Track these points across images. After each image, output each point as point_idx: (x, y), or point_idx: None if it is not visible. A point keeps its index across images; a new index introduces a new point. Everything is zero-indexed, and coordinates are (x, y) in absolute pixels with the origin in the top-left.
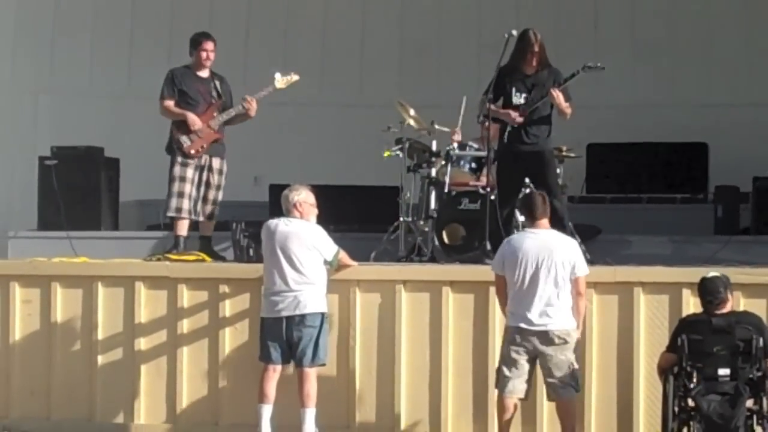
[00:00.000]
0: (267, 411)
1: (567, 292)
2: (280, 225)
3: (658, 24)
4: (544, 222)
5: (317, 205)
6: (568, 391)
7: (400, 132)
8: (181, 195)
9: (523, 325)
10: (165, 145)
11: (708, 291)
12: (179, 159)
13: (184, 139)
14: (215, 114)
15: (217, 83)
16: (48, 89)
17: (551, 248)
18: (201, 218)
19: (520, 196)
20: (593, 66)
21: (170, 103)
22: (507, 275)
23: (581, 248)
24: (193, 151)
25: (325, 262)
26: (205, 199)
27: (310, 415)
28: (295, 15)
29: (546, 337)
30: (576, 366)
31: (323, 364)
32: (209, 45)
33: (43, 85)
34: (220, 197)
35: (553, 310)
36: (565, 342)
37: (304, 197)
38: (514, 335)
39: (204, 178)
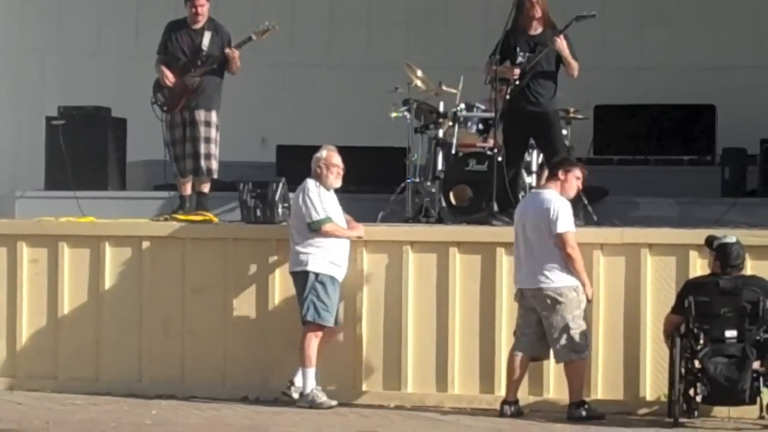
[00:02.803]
0: (309, 374)
1: (557, 251)
2: None
3: None
4: (549, 184)
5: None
6: (565, 355)
7: (408, 93)
8: (176, 159)
9: (519, 286)
10: None
11: (736, 256)
12: (164, 119)
13: (158, 96)
14: (192, 70)
15: (208, 35)
16: (55, 49)
17: (536, 207)
18: (195, 175)
19: (534, 157)
20: (585, 15)
21: (158, 60)
22: None
23: (582, 211)
24: (165, 108)
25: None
26: (194, 155)
27: (306, 374)
28: None
29: (539, 296)
30: (577, 329)
31: (318, 325)
32: (199, 1)
33: (51, 44)
34: (213, 150)
35: (542, 269)
36: (557, 302)
37: (324, 157)
38: (519, 297)
39: (188, 133)
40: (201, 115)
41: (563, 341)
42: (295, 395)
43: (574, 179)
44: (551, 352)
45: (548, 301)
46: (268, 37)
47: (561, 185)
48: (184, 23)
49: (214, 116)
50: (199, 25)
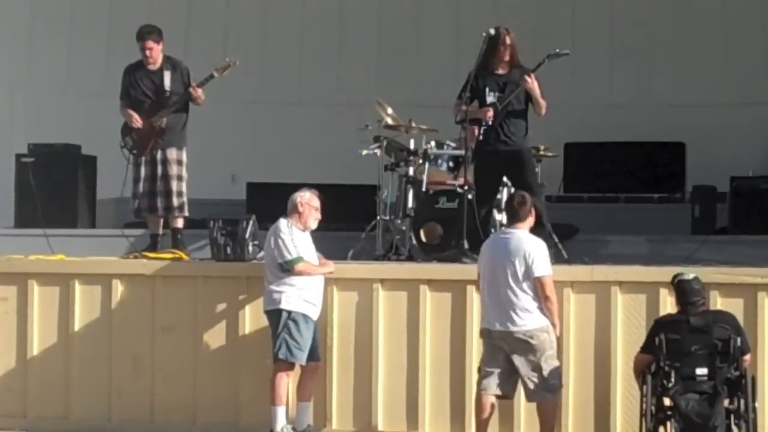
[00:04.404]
0: (279, 412)
1: (530, 293)
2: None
3: (636, 24)
4: (521, 224)
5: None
6: (540, 396)
7: (378, 130)
8: (134, 197)
9: (488, 327)
10: None
11: (693, 292)
12: (131, 159)
13: (127, 140)
14: (159, 111)
15: (168, 74)
16: (25, 86)
17: (510, 248)
18: (166, 213)
19: (505, 195)
20: (558, 53)
21: (122, 106)
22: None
23: (553, 249)
24: (135, 151)
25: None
26: (166, 193)
27: (276, 413)
28: (273, 14)
29: (511, 338)
30: (550, 369)
31: (290, 363)
32: (148, 44)
33: (21, 82)
34: (184, 188)
35: (513, 311)
36: (529, 344)
37: (308, 198)
38: (486, 336)
39: (159, 171)
40: (173, 153)
41: (536, 381)
42: None
43: (531, 212)
44: (521, 391)
45: (519, 344)
46: (230, 73)
47: (527, 223)
48: (141, 65)
49: (184, 155)
50: (156, 66)
